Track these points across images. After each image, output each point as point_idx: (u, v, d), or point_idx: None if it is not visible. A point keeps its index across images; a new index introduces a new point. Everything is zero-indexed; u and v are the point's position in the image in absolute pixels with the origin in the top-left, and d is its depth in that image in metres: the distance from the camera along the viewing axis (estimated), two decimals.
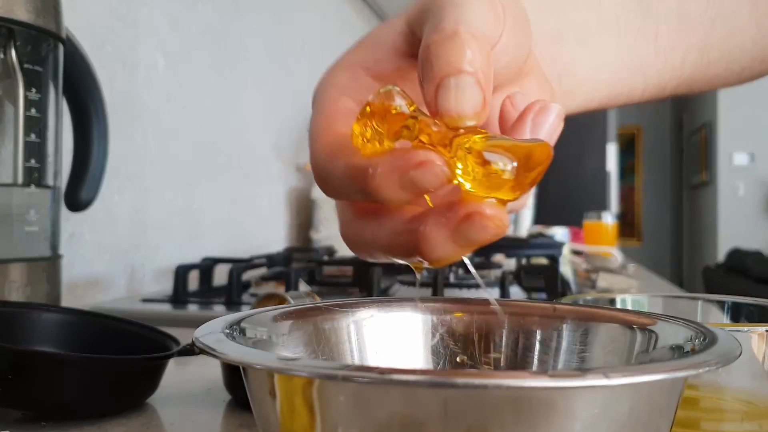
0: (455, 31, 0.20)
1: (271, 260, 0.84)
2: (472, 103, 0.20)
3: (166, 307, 0.69)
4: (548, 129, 0.22)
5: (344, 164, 0.20)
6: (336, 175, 0.21)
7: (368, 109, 0.20)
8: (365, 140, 0.20)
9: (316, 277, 0.81)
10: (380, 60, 0.24)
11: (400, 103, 0.20)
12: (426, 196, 0.21)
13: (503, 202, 0.19)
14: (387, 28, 0.24)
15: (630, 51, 0.32)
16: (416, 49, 0.22)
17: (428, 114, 0.20)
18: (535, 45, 0.27)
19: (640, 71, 0.33)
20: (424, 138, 0.20)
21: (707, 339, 0.20)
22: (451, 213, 0.19)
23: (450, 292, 0.68)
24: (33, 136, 0.50)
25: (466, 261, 0.22)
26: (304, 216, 1.40)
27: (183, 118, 0.95)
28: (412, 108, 0.20)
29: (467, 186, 0.19)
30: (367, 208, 0.22)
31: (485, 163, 0.19)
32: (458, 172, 0.19)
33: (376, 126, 0.20)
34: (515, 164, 0.19)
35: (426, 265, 0.21)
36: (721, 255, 4.31)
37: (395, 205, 0.20)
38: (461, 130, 0.20)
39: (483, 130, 0.20)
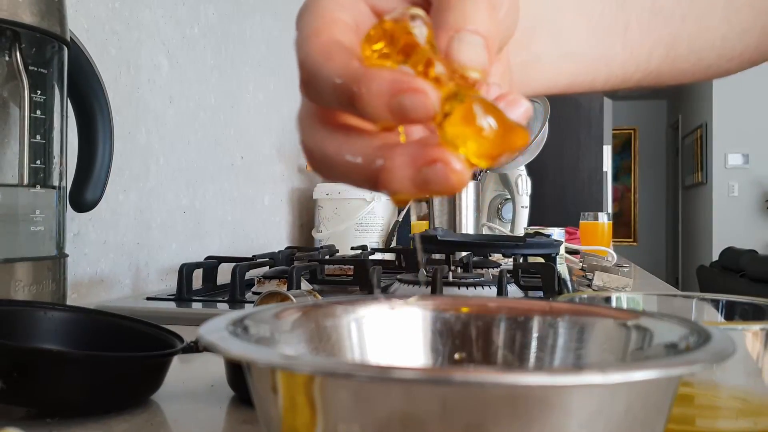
0: None
1: (273, 259, 0.85)
2: (481, 59, 0.21)
3: (170, 306, 0.69)
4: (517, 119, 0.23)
5: (338, 67, 0.20)
6: (324, 76, 0.20)
7: (387, 24, 0.20)
8: (372, 52, 0.20)
9: (318, 276, 0.81)
10: None
11: (419, 32, 0.20)
12: (401, 130, 0.21)
13: (470, 164, 0.20)
14: None
15: (598, 43, 0.32)
16: None
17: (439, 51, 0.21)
18: None
19: (604, 63, 0.33)
20: (429, 71, 0.20)
21: (702, 337, 0.20)
22: (421, 153, 0.20)
23: (449, 291, 0.68)
24: (38, 138, 0.50)
25: (417, 242, 0.22)
26: (305, 216, 1.40)
27: (186, 118, 0.95)
28: (429, 37, 0.20)
29: (447, 133, 0.20)
30: (338, 122, 0.21)
31: (472, 115, 0.19)
32: (444, 115, 0.20)
33: (386, 43, 0.20)
34: (497, 128, 0.19)
35: (384, 195, 0.22)
36: (715, 254, 4.31)
37: (373, 123, 0.20)
38: (463, 80, 0.20)
39: (479, 92, 0.21)
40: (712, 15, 0.34)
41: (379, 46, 0.20)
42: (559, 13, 0.31)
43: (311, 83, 0.21)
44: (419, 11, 0.21)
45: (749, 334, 0.25)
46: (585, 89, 0.34)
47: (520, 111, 0.23)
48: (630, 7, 0.32)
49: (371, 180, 0.21)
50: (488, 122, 0.19)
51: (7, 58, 0.49)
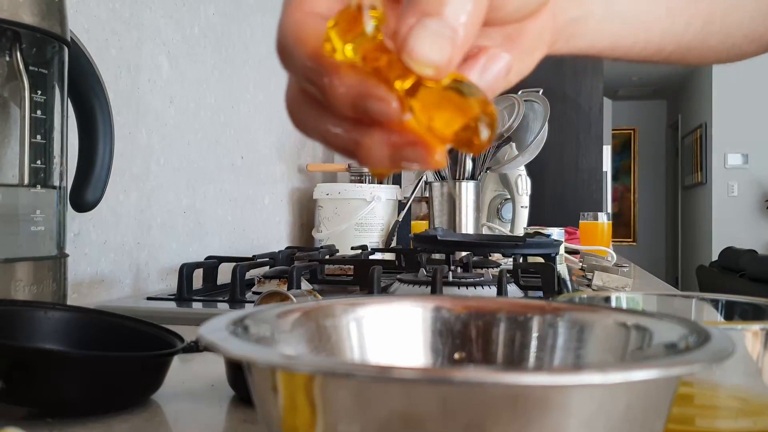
0: None
1: (273, 259, 0.85)
2: (440, 56, 0.19)
3: (170, 305, 0.69)
4: (494, 75, 0.22)
5: (307, 54, 0.20)
6: (297, 58, 0.20)
7: (337, 19, 0.19)
8: (332, 48, 0.20)
9: (318, 276, 0.81)
10: None
11: (367, 24, 0.19)
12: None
13: (441, 143, 0.20)
14: None
15: (645, 7, 0.32)
16: None
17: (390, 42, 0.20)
18: None
19: (646, 28, 0.33)
20: (379, 62, 0.20)
21: (701, 337, 0.20)
22: (399, 136, 0.20)
23: (449, 291, 0.68)
24: (39, 138, 0.50)
25: None
26: (306, 215, 1.40)
27: (187, 118, 0.95)
28: (377, 29, 0.19)
29: (414, 122, 0.20)
30: (313, 96, 0.22)
31: (432, 114, 0.19)
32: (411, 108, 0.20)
33: (340, 35, 0.20)
34: (450, 116, 0.19)
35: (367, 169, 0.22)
36: (715, 254, 4.32)
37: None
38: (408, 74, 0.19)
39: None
40: None
41: (335, 41, 0.20)
42: None
43: (284, 60, 0.21)
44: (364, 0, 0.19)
45: (749, 334, 0.25)
46: (620, 55, 0.34)
47: (500, 65, 0.22)
48: None
49: (350, 153, 0.21)
50: (446, 121, 0.19)
51: (7, 58, 0.49)
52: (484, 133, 0.19)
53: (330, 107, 0.21)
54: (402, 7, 0.20)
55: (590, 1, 0.30)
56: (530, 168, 1.41)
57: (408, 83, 0.20)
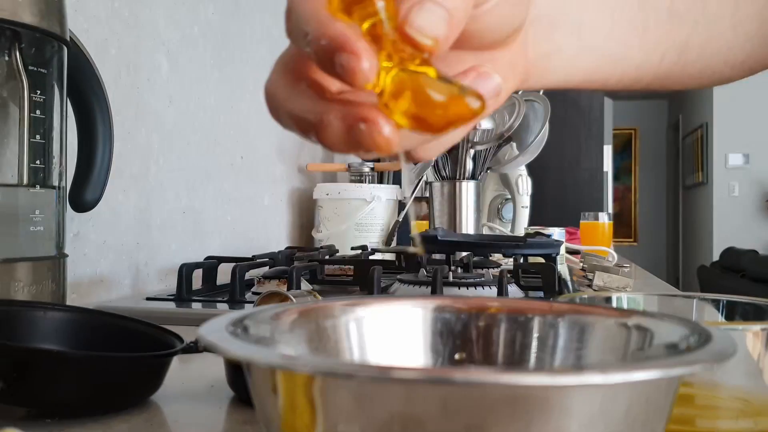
0: None
1: (273, 259, 0.84)
2: (438, 29, 0.21)
3: (170, 306, 0.69)
4: (486, 92, 0.23)
5: (310, 11, 0.21)
6: (300, 13, 0.22)
7: None
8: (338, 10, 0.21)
9: (318, 276, 0.81)
10: None
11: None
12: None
13: (399, 126, 0.21)
14: None
15: (618, 41, 0.33)
16: None
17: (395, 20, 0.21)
18: (532, 23, 0.28)
19: (620, 61, 0.33)
20: (377, 29, 0.21)
21: (702, 337, 0.20)
22: (352, 111, 0.21)
23: (449, 291, 0.68)
24: (38, 137, 0.50)
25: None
26: (305, 216, 1.40)
27: (186, 118, 0.95)
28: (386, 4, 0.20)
29: (383, 99, 0.21)
30: (297, 75, 0.23)
31: (407, 85, 0.20)
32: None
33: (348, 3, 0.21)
34: (436, 100, 0.20)
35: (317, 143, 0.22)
36: (716, 254, 4.31)
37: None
38: (414, 47, 0.20)
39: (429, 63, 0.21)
40: (721, 22, 0.35)
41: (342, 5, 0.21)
42: (582, 5, 0.31)
43: (288, 20, 0.22)
44: None
45: (750, 334, 0.25)
46: (598, 86, 0.34)
47: (490, 85, 0.23)
48: (650, 6, 0.33)
49: (311, 128, 0.22)
50: (426, 94, 0.20)
51: (6, 58, 0.49)
52: (465, 124, 0.20)
53: (315, 60, 0.21)
54: None
55: (561, 35, 0.31)
56: (531, 168, 1.41)
57: (393, 63, 0.21)
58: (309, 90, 0.23)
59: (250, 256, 0.87)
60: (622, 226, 5.83)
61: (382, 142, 0.21)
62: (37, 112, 0.50)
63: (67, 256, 0.54)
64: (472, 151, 1.15)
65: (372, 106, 0.21)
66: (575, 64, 0.32)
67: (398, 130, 0.21)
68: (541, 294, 0.73)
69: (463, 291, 0.69)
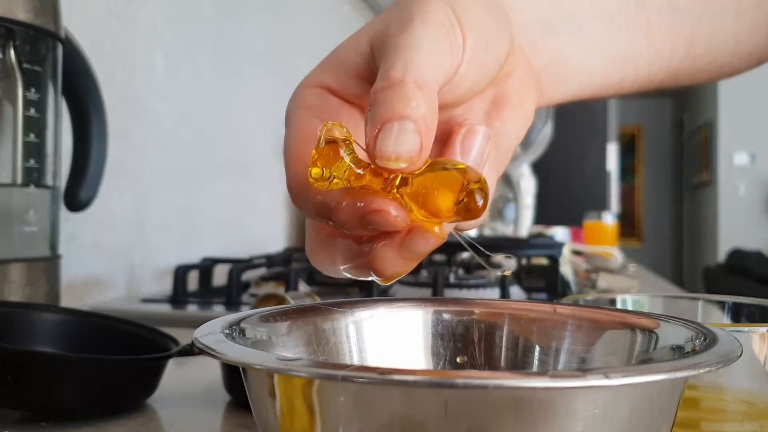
0: (402, 80, 0.21)
1: (270, 260, 0.84)
2: (408, 147, 0.20)
3: (165, 308, 0.69)
4: (477, 151, 0.23)
5: (313, 201, 0.22)
6: (308, 206, 0.22)
7: (315, 155, 0.21)
8: (324, 181, 0.21)
9: (316, 278, 0.81)
10: (344, 83, 0.25)
11: (341, 151, 0.21)
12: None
13: (440, 221, 0.22)
14: (351, 49, 0.24)
15: (623, 41, 0.33)
16: (375, 76, 0.22)
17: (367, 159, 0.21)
18: (526, 33, 0.28)
19: (631, 62, 0.33)
20: (365, 180, 0.21)
21: (708, 339, 0.20)
22: (396, 232, 0.21)
23: (450, 293, 0.68)
24: (32, 136, 0.50)
25: (458, 237, 0.24)
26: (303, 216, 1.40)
27: (182, 118, 0.95)
28: (350, 155, 0.21)
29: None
30: (326, 232, 0.24)
31: (424, 201, 0.21)
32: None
33: (326, 168, 0.21)
34: (439, 212, 0.21)
35: (381, 281, 0.23)
36: (721, 255, 4.31)
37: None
38: (392, 175, 0.21)
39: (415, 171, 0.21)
40: (724, 14, 0.36)
41: (326, 174, 0.21)
42: (575, 10, 0.31)
43: (300, 209, 0.23)
44: (331, 130, 0.21)
45: (756, 336, 0.25)
46: (615, 90, 0.34)
47: (479, 139, 0.23)
48: (648, 4, 0.33)
49: (368, 271, 0.23)
50: (436, 207, 0.21)
51: (0, 56, 0.48)
52: (477, 198, 0.20)
53: (344, 230, 0.22)
54: (365, 124, 0.21)
55: (561, 41, 0.30)
56: (535, 166, 1.40)
57: (395, 184, 0.21)
58: (344, 240, 0.23)
59: (247, 257, 0.87)
60: (626, 226, 5.83)
61: (437, 239, 0.21)
62: (32, 110, 0.50)
63: (62, 256, 0.54)
64: None
65: (414, 222, 0.22)
66: (586, 70, 0.32)
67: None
68: (544, 295, 0.73)
69: (465, 293, 0.68)
